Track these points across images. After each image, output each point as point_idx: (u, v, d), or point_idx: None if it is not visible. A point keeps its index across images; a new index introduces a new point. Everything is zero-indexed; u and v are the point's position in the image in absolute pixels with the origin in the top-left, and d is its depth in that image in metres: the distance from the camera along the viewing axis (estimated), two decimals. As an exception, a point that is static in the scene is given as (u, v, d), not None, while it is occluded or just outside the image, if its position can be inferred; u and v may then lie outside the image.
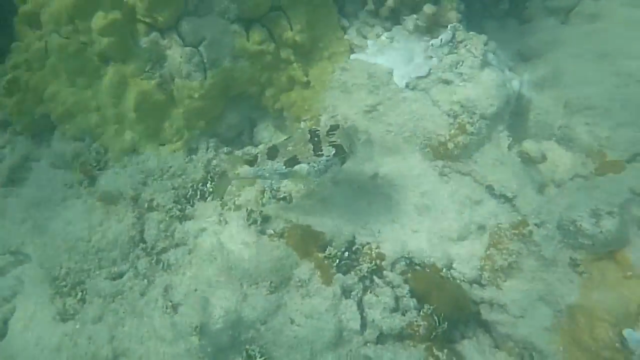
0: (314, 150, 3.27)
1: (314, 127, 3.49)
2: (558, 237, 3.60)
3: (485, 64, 4.13)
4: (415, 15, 4.52)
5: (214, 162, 4.26)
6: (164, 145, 4.14)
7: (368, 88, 4.19)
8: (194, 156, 4.24)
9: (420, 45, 4.32)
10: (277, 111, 4.36)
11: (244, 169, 3.50)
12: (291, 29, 4.04)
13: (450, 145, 4.03)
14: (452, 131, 4.03)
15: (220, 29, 3.81)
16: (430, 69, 4.15)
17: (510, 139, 4.21)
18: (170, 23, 3.62)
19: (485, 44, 4.51)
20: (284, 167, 3.33)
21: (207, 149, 4.27)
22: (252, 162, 3.47)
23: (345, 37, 4.45)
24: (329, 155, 3.27)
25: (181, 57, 3.72)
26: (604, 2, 5.53)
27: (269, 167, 3.38)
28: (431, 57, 4.17)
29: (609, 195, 3.72)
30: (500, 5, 5.39)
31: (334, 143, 3.27)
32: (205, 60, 3.80)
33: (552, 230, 3.63)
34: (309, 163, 3.27)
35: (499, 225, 3.82)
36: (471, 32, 4.27)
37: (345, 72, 4.26)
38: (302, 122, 4.22)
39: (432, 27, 4.57)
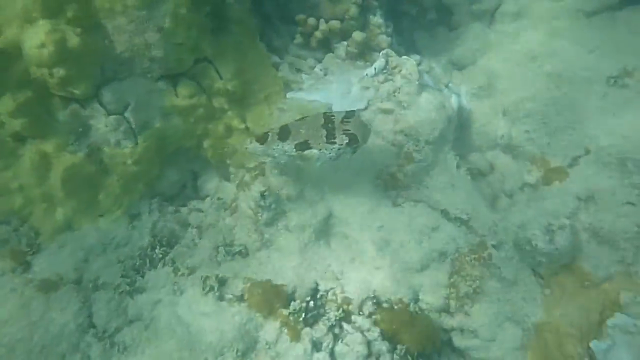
0: (326, 137, 3.20)
1: (328, 112, 3.43)
2: (516, 257, 3.64)
3: (422, 87, 4.10)
4: (345, 42, 4.44)
5: (160, 224, 4.02)
6: (103, 216, 3.85)
7: (309, 127, 4.05)
8: (137, 222, 3.98)
9: (356, 75, 4.22)
10: (219, 160, 4.16)
11: (253, 145, 3.41)
12: (221, 78, 3.83)
13: (400, 175, 3.98)
14: (400, 161, 3.98)
15: (145, 89, 3.57)
16: (369, 100, 4.07)
17: (457, 158, 4.21)
18: (89, 94, 3.34)
19: (419, 64, 4.49)
20: (294, 149, 3.25)
21: (150, 212, 4.03)
22: (262, 139, 3.34)
23: (279, 74, 4.28)
24: (341, 144, 3.21)
25: (106, 126, 3.45)
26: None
27: (279, 147, 3.30)
28: (368, 87, 4.08)
29: (557, 206, 3.79)
30: (428, 15, 5.40)
31: (348, 132, 3.21)
32: (133, 126, 3.55)
33: (510, 251, 3.67)
34: (320, 149, 3.20)
35: (459, 250, 3.81)
36: (404, 57, 4.22)
37: (284, 112, 4.11)
38: (245, 170, 4.05)
39: (364, 52, 4.51)
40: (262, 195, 3.73)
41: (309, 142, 3.19)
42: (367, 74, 4.13)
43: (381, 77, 4.16)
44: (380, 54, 4.16)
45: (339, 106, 4.13)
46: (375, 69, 4.13)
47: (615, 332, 3.24)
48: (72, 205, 3.75)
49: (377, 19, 4.35)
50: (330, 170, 4.05)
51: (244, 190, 3.94)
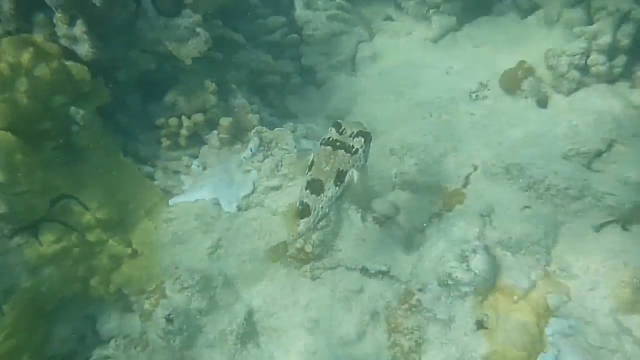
0: (346, 152, 2.86)
1: (328, 137, 2.95)
2: (444, 294, 3.54)
3: (302, 154, 4.02)
4: (216, 131, 4.30)
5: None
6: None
7: (201, 229, 3.80)
8: (32, 398, 3.40)
9: (235, 161, 4.08)
10: (115, 294, 3.74)
11: (303, 223, 2.86)
12: (88, 209, 3.49)
13: (308, 247, 3.81)
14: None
15: (-1, 252, 3.13)
16: (254, 183, 3.91)
17: (360, 210, 4.13)
18: None
19: (294, 130, 4.45)
20: (336, 187, 2.87)
21: (47, 380, 3.47)
22: (304, 212, 2.85)
23: (156, 183, 4.02)
24: (362, 145, 2.91)
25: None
26: (376, 40, 5.94)
27: (324, 201, 2.86)
28: (249, 170, 3.94)
29: (465, 230, 3.79)
30: (292, 80, 5.46)
31: (355, 133, 2.92)
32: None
33: (436, 290, 3.57)
34: (353, 166, 2.88)
35: (389, 305, 3.66)
36: (276, 129, 4.15)
37: (171, 222, 3.83)
38: (145, 295, 3.67)
39: (238, 134, 4.40)
40: (168, 319, 3.36)
41: (340, 169, 2.86)
42: (244, 157, 3.99)
43: (260, 156, 4.05)
44: (252, 132, 4.06)
45: (227, 197, 3.94)
46: (251, 149, 4.02)
47: (556, 339, 3.20)
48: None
49: (239, 101, 4.28)
50: (236, 264, 3.81)
51: (150, 319, 3.54)
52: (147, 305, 3.54)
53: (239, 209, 3.89)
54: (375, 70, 5.71)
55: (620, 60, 4.10)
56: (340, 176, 2.86)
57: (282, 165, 3.94)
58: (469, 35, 5.54)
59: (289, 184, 3.91)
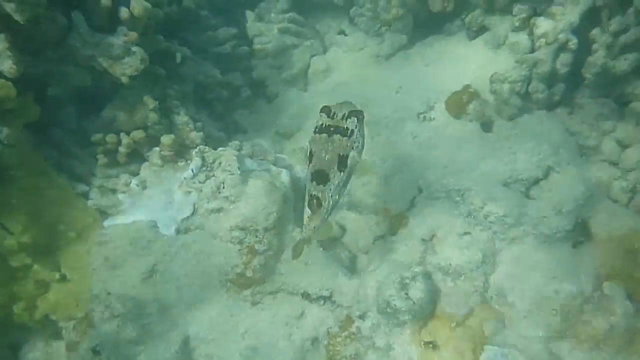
0: (342, 135, 2.81)
1: (320, 123, 2.90)
2: (383, 321, 3.54)
3: (246, 174, 3.93)
4: (157, 148, 4.15)
5: None
6: None
7: (137, 253, 3.65)
8: None
9: (176, 181, 3.94)
10: (41, 321, 3.54)
11: (319, 214, 2.86)
12: (11, 233, 3.29)
13: (249, 272, 3.73)
14: (244, 258, 3.73)
15: None
16: (194, 205, 3.79)
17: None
18: None
19: (240, 150, 4.35)
20: (340, 173, 2.84)
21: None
22: (318, 203, 2.84)
23: (90, 202, 3.84)
24: (356, 125, 2.85)
25: None
26: (330, 54, 5.91)
27: (332, 188, 2.84)
28: (190, 191, 3.81)
29: (407, 255, 3.81)
30: (242, 93, 5.36)
31: (347, 114, 2.86)
32: None
33: (375, 317, 3.56)
34: (353, 148, 2.84)
35: (330, 331, 3.63)
36: (220, 148, 4.05)
37: (104, 245, 3.66)
38: (73, 323, 3.49)
39: (181, 151, 4.26)
40: (95, 351, 3.20)
41: (340, 154, 2.82)
42: (185, 178, 3.86)
43: (202, 176, 3.93)
44: (194, 152, 3.94)
45: (165, 219, 3.81)
46: (192, 170, 3.89)
47: (490, 367, 3.24)
48: None
49: (182, 118, 4.14)
50: (173, 289, 3.68)
51: (76, 349, 3.36)
52: (73, 335, 3.36)
53: (178, 232, 3.76)
54: (328, 85, 5.68)
55: (559, 88, 4.21)
56: (342, 161, 2.84)
57: (224, 187, 3.83)
58: (420, 54, 5.57)
59: (230, 206, 3.80)
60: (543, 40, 4.19)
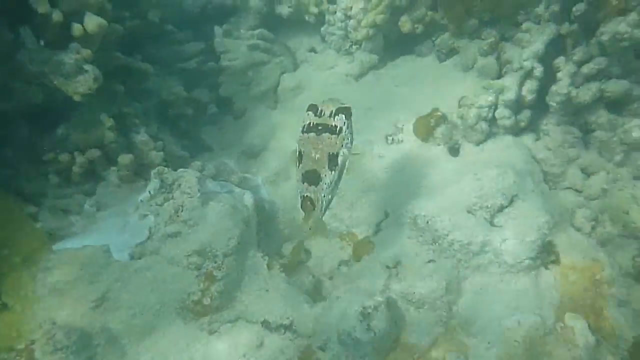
0: (331, 134, 2.73)
1: (308, 122, 2.80)
2: (343, 353, 3.42)
3: (206, 197, 3.80)
4: (114, 168, 3.99)
5: None
6: None
7: (86, 279, 3.46)
8: None
9: (133, 203, 3.77)
10: (-21, 352, 3.30)
11: (313, 215, 2.77)
12: (-53, 259, 3.07)
13: (206, 300, 3.57)
14: (202, 285, 3.58)
15: None
16: (151, 229, 3.63)
17: (267, 258, 3.95)
18: None
19: (202, 171, 4.23)
20: (332, 172, 2.78)
21: None
22: (311, 204, 2.76)
23: (39, 225, 3.64)
24: (344, 122, 2.78)
25: None
26: (300, 71, 5.84)
27: (324, 189, 2.78)
28: (146, 215, 3.65)
29: (370, 283, 3.72)
30: (209, 110, 5.23)
31: (334, 111, 2.76)
32: None
33: (336, 348, 3.44)
34: (342, 145, 2.79)
35: (289, 362, 3.49)
36: (180, 170, 3.90)
37: (51, 270, 3.46)
38: (13, 354, 3.27)
39: (140, 171, 4.10)
40: (36, 388, 2.99)
41: (330, 153, 2.75)
42: (142, 200, 3.70)
43: (160, 198, 3.77)
44: (152, 173, 3.78)
45: (118, 243, 3.63)
46: (150, 192, 3.73)
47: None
48: None
49: (141, 137, 3.99)
50: (124, 318, 3.49)
51: (16, 386, 3.15)
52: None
53: (132, 257, 3.59)
54: (297, 103, 5.59)
55: (525, 114, 4.22)
56: (332, 160, 2.77)
57: (182, 210, 3.68)
58: (390, 74, 5.55)
59: (189, 231, 3.65)
60: (509, 66, 4.19)
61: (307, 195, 2.76)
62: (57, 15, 3.03)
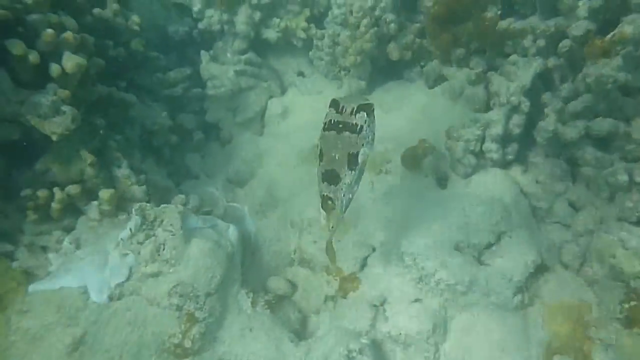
0: (352, 132, 2.67)
1: (329, 119, 2.74)
2: (328, 399, 3.34)
3: (189, 233, 3.71)
4: (96, 202, 3.89)
5: None
6: None
7: (63, 323, 3.36)
8: None
9: (113, 239, 3.67)
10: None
11: (334, 215, 2.77)
12: None
13: (187, 342, 3.49)
14: (183, 326, 3.49)
15: None
16: (131, 268, 3.54)
17: (251, 295, 3.87)
18: None
19: (186, 204, 4.14)
20: (352, 172, 2.73)
21: None
22: (332, 203, 2.73)
23: (15, 264, 3.53)
24: (365, 120, 2.71)
25: None
26: (287, 96, 5.79)
27: (344, 189, 2.75)
28: (126, 253, 3.56)
29: (356, 323, 3.65)
30: (195, 136, 5.15)
31: (355, 109, 2.69)
32: None
33: (321, 393, 3.36)
34: (363, 145, 2.72)
35: (271, 407, 3.40)
36: (162, 205, 3.81)
37: (25, 314, 3.35)
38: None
39: (122, 204, 4.01)
40: None
41: (350, 152, 2.69)
42: (122, 239, 3.60)
43: (141, 236, 3.67)
44: (133, 210, 3.69)
45: (96, 284, 3.53)
46: (130, 229, 3.64)
47: None
48: None
49: (123, 171, 3.90)
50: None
51: None
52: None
53: (111, 298, 3.49)
54: (284, 129, 5.54)
55: (513, 148, 4.19)
56: (352, 160, 2.72)
57: (164, 249, 3.59)
58: (379, 100, 5.50)
59: (170, 270, 3.56)
60: (497, 99, 4.17)
61: (326, 195, 2.74)
62: (33, 57, 2.94)
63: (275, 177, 4.94)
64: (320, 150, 2.77)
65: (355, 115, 2.71)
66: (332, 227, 2.82)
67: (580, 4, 3.59)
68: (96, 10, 4.19)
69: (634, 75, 3.34)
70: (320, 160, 2.76)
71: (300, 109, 5.66)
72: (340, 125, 2.71)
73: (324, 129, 2.76)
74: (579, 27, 3.54)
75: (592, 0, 3.46)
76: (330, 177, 2.73)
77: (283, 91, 5.83)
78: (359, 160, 2.75)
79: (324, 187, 2.74)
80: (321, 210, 2.79)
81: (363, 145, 2.74)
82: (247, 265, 4.27)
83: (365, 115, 2.73)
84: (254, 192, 4.87)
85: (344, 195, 2.77)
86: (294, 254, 4.39)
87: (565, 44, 3.72)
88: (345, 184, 2.74)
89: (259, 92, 5.59)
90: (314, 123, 5.37)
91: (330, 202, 2.74)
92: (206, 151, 5.27)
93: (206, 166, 5.20)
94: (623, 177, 3.46)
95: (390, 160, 4.65)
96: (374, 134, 2.85)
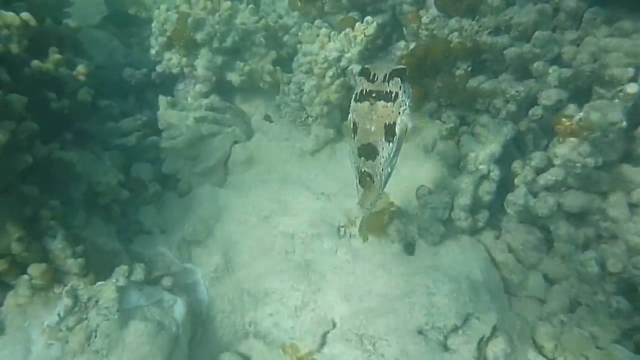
0: (386, 101, 2.45)
1: (361, 90, 2.53)
2: None
3: (126, 316, 3.37)
4: (26, 276, 3.53)
5: None
6: None
7: None
8: None
9: (39, 324, 3.31)
10: None
11: (373, 190, 2.62)
12: None
13: None
14: None
15: None
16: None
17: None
18: None
19: (129, 275, 3.79)
20: (389, 144, 2.52)
21: None
22: (370, 179, 2.59)
23: None
24: (400, 86, 2.48)
25: None
26: (253, 142, 5.48)
27: (382, 162, 2.57)
28: (52, 344, 3.20)
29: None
30: (150, 189, 4.81)
31: (388, 75, 2.47)
32: None
33: None
34: (399, 113, 2.48)
35: None
36: (98, 283, 3.47)
37: None
38: None
39: (57, 277, 3.65)
40: None
41: (387, 123, 2.48)
42: (48, 325, 3.25)
43: (71, 321, 3.32)
44: (64, 291, 3.34)
45: (18, 378, 3.15)
46: (59, 314, 3.28)
47: None
48: None
49: (58, 243, 3.54)
50: None
51: None
52: None
53: (32, 396, 3.12)
54: (247, 179, 5.22)
55: (483, 215, 3.92)
56: (389, 130, 2.51)
57: (96, 336, 3.24)
58: (347, 150, 5.22)
59: (103, 361, 3.21)
60: (465, 163, 3.90)
61: (364, 171, 2.58)
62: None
63: (233, 238, 4.60)
64: (354, 123, 2.56)
65: (388, 82, 2.48)
66: (371, 205, 2.68)
67: (550, 70, 3.34)
68: (35, 63, 3.86)
69: (606, 152, 3.09)
70: (355, 134, 2.57)
71: (264, 157, 5.36)
72: (374, 95, 2.50)
73: (356, 100, 2.54)
74: (549, 97, 3.29)
75: (563, 69, 3.21)
76: (367, 152, 2.54)
77: (249, 136, 5.52)
78: (397, 131, 2.52)
79: (361, 162, 2.57)
80: (358, 186, 2.64)
81: (400, 113, 2.50)
82: (197, 339, 3.94)
83: (400, 81, 2.49)
84: (209, 256, 4.51)
85: (382, 170, 2.58)
86: (250, 326, 4.05)
87: (536, 112, 3.48)
88: (383, 157, 2.55)
89: (222, 138, 5.27)
90: (278, 176, 5.11)
91: (368, 179, 2.57)
92: (162, 203, 4.93)
93: (162, 220, 4.85)
94: (593, 270, 3.20)
95: (355, 220, 4.36)
96: (410, 99, 2.58)
